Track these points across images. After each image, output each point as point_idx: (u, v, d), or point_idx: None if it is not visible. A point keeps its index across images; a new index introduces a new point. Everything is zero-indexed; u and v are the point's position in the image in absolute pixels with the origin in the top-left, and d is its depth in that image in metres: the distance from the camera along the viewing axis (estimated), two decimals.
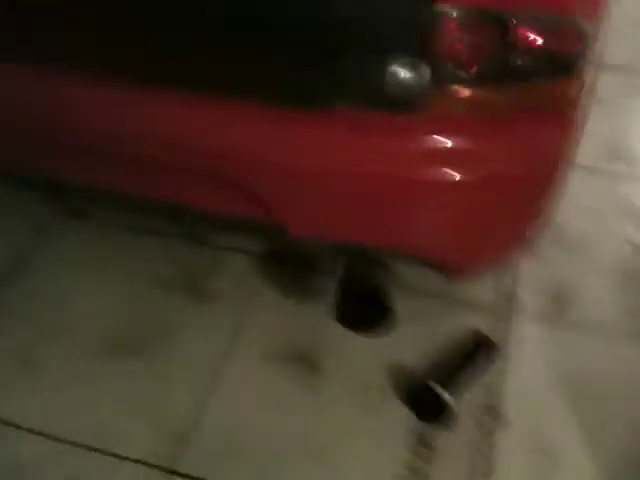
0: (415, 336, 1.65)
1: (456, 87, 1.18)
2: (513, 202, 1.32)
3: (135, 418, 1.53)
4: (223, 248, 1.86)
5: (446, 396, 1.48)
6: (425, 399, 1.50)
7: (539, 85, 1.22)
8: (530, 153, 1.27)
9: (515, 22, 1.12)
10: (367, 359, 1.63)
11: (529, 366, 1.64)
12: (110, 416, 1.53)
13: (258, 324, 1.70)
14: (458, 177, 1.23)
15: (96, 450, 1.47)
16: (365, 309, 1.40)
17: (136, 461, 1.46)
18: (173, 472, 1.44)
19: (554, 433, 1.53)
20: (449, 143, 1.23)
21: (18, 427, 1.49)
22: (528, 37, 1.15)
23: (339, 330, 1.65)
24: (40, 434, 1.48)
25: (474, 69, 1.17)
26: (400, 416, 1.53)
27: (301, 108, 1.21)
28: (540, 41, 1.16)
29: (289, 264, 1.82)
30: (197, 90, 1.23)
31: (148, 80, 1.25)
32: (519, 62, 1.17)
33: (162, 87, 1.24)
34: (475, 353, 1.60)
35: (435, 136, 1.22)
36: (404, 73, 1.16)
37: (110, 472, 1.44)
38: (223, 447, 1.48)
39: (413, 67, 1.15)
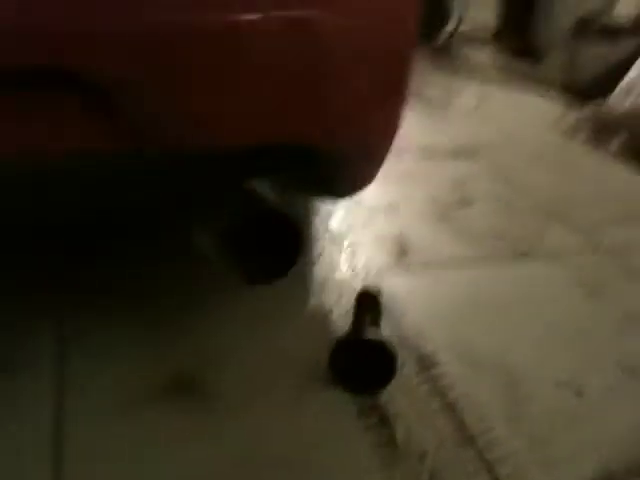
0: (295, 317, 1.33)
1: None
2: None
3: None
4: None
5: (385, 339, 1.18)
6: (359, 359, 1.17)
7: None
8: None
9: None
10: (257, 357, 1.24)
11: (411, 306, 1.44)
12: None
13: (82, 378, 1.18)
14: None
15: None
16: (272, 235, 1.02)
17: None
18: None
19: (484, 347, 1.33)
20: None
21: None
22: None
23: (204, 333, 1.25)
24: None
25: None
26: (335, 401, 1.17)
27: None
28: None
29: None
30: None
31: None
32: None
33: None
34: (367, 304, 1.34)
35: None
36: None
37: None
38: None
39: None
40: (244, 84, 0.97)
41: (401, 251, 1.64)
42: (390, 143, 1.20)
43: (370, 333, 1.20)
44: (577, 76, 2.76)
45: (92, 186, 1.05)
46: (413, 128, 2.32)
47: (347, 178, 1.24)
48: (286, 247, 1.04)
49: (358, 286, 1.46)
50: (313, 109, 1.04)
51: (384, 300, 1.37)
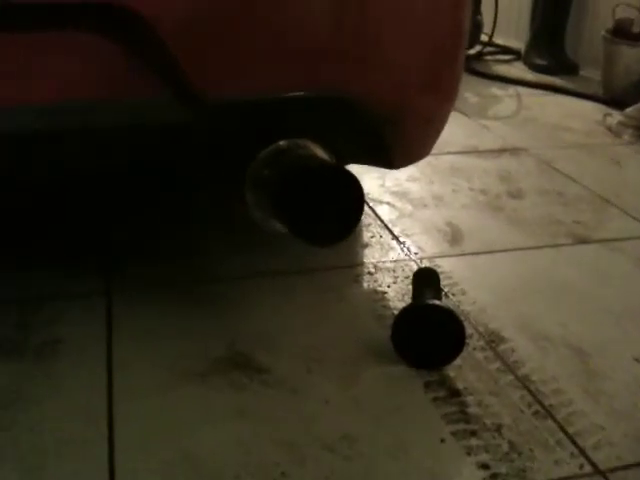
0: (351, 297, 1.27)
1: None
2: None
3: None
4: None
5: (451, 308, 1.11)
6: (425, 330, 1.10)
7: None
8: None
9: None
10: (315, 336, 1.18)
11: (471, 288, 1.37)
12: None
13: (132, 354, 1.12)
14: None
15: None
16: (326, 198, 0.97)
17: None
18: None
19: (551, 325, 1.25)
20: None
21: None
22: None
23: (260, 315, 1.20)
24: None
25: None
26: (398, 375, 1.10)
27: None
28: None
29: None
30: None
31: None
32: None
33: None
34: (426, 282, 1.27)
35: None
36: None
37: None
38: None
39: None
40: (294, 32, 0.94)
41: (453, 239, 1.58)
42: (446, 113, 1.15)
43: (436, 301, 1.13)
44: (615, 84, 2.71)
45: (149, 145, 1.01)
46: (454, 130, 2.29)
47: (402, 146, 1.19)
48: (347, 207, 0.98)
49: (413, 269, 1.41)
50: (367, 63, 1.00)
51: (442, 280, 1.31)
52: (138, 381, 1.07)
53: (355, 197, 0.97)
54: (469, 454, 0.96)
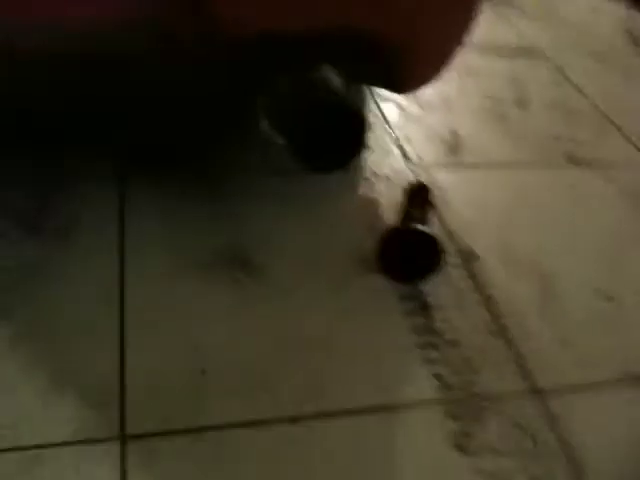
0: (349, 206, 1.38)
1: None
2: None
3: (46, 394, 1.00)
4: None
5: (433, 233, 1.23)
6: (407, 249, 1.23)
7: None
8: None
9: None
10: (311, 242, 1.31)
11: (459, 203, 1.48)
12: (13, 402, 0.98)
13: (145, 240, 1.26)
14: None
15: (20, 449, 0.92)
16: (335, 126, 1.06)
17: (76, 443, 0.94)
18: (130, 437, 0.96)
19: (525, 248, 1.38)
20: None
21: None
22: None
23: (262, 217, 1.32)
24: None
25: None
26: (379, 286, 1.24)
27: None
28: None
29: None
30: None
31: None
32: None
33: None
34: (417, 198, 1.38)
35: None
36: None
37: (40, 466, 0.91)
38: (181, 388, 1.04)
39: None
40: None
41: (453, 148, 1.66)
42: (456, 46, 1.20)
43: (420, 226, 1.25)
44: None
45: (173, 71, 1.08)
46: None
47: (410, 74, 1.25)
48: (350, 138, 1.07)
49: (409, 178, 1.51)
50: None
51: (433, 194, 1.41)
52: (148, 267, 1.21)
53: (355, 131, 1.06)
54: (426, 364, 1.12)
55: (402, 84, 1.26)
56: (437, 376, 1.11)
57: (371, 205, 1.44)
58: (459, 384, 1.10)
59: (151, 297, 1.16)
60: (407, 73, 1.21)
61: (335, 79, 1.10)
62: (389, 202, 1.44)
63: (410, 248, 1.23)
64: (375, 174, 1.53)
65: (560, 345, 1.19)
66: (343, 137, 1.06)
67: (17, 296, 1.12)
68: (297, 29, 0.99)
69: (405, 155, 1.61)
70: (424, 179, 1.49)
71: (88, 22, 0.96)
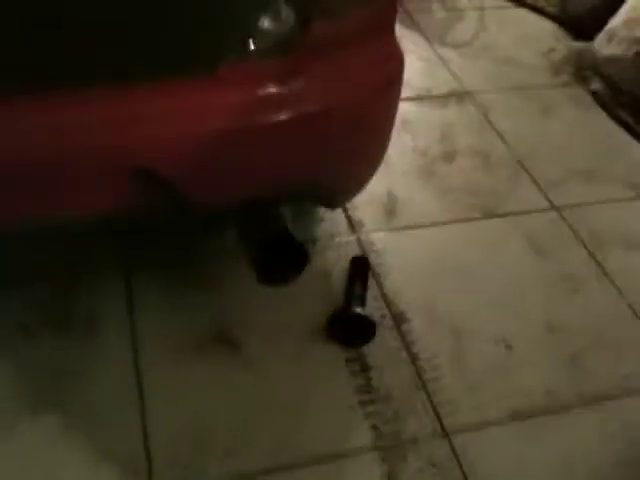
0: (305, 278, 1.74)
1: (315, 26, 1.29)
2: (371, 121, 1.48)
3: (85, 469, 1.38)
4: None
5: (367, 315, 1.62)
6: (348, 326, 1.62)
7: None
8: (371, 75, 1.43)
9: None
10: (276, 315, 1.68)
11: (393, 266, 1.85)
12: (58, 475, 1.36)
13: (150, 328, 1.63)
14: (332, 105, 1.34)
15: None
16: (285, 256, 1.42)
17: None
18: None
19: (444, 306, 1.77)
20: (315, 76, 1.33)
21: None
22: None
23: (236, 297, 1.69)
24: None
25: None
26: (331, 352, 1.63)
27: (187, 76, 1.21)
28: None
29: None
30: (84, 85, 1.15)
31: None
32: None
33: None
34: (358, 273, 1.76)
35: (309, 71, 1.31)
36: (275, 20, 1.23)
37: None
38: (188, 450, 1.43)
39: (280, 14, 1.24)
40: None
41: (389, 211, 2.03)
42: (373, 172, 1.58)
43: (357, 306, 1.63)
44: (571, 9, 2.94)
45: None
46: (414, 64, 2.61)
47: (341, 198, 1.65)
48: (294, 263, 1.44)
49: (353, 246, 1.87)
50: (331, 165, 1.42)
51: (370, 266, 1.79)
52: (156, 350, 1.58)
53: (301, 259, 1.43)
54: (366, 418, 1.52)
55: (334, 205, 1.66)
56: (374, 427, 1.51)
57: (323, 275, 1.81)
58: (390, 432, 1.50)
59: (161, 377, 1.54)
60: (337, 199, 1.60)
61: (284, 214, 1.46)
62: (338, 272, 1.81)
63: (351, 325, 1.61)
64: (326, 246, 1.89)
65: (465, 392, 1.59)
66: (289, 262, 1.43)
67: (51, 389, 1.49)
68: (253, 199, 1.35)
69: (350, 222, 1.97)
70: (365, 246, 1.87)
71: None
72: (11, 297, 1.63)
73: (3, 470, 1.37)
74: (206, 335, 1.63)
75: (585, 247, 1.99)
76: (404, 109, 2.36)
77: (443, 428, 1.52)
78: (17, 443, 1.41)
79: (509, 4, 3.17)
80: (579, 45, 2.80)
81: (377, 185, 2.05)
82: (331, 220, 1.97)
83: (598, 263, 1.95)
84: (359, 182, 1.58)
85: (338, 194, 1.58)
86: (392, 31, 1.48)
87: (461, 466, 1.46)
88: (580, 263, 1.95)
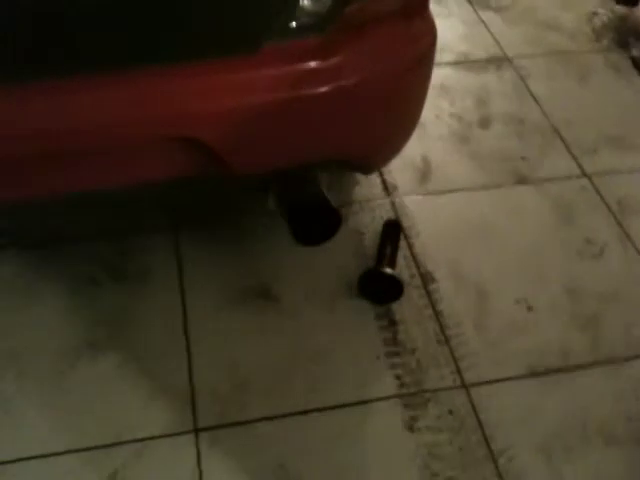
0: (340, 238, 1.87)
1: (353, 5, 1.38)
2: (404, 94, 1.57)
3: (137, 402, 1.56)
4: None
5: (396, 274, 1.74)
6: (378, 284, 1.75)
7: None
8: (404, 51, 1.52)
9: None
10: (312, 272, 1.82)
11: (424, 228, 1.97)
12: (117, 409, 1.55)
13: (197, 280, 1.79)
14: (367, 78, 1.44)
15: (122, 443, 1.49)
16: (319, 220, 1.55)
17: (163, 437, 1.51)
18: (200, 430, 1.53)
19: (470, 268, 1.88)
20: (351, 53, 1.43)
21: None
22: None
23: (276, 255, 1.83)
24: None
25: None
26: (361, 307, 1.77)
27: (232, 54, 1.32)
28: None
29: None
30: (132, 64, 1.28)
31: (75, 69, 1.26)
32: None
33: (92, 72, 1.26)
34: (390, 235, 1.87)
35: (346, 47, 1.41)
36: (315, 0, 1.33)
37: (139, 457, 1.48)
38: (229, 388, 1.59)
39: None
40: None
41: (423, 175, 2.12)
42: (406, 141, 1.68)
43: (388, 266, 1.75)
44: None
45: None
46: (455, 26, 2.66)
47: (373, 166, 1.78)
48: (328, 226, 1.56)
49: (386, 209, 1.99)
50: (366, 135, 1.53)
51: (403, 229, 1.91)
52: (202, 300, 1.74)
53: (334, 223, 1.55)
54: (391, 368, 1.66)
55: (368, 171, 1.78)
56: (397, 377, 1.65)
57: (357, 236, 1.93)
58: (412, 382, 1.64)
59: (206, 324, 1.70)
60: (371, 167, 1.71)
61: (320, 179, 1.58)
62: (372, 233, 1.93)
63: (381, 283, 1.74)
64: (361, 206, 2.01)
65: (485, 348, 1.72)
66: (323, 225, 1.55)
67: (111, 330, 1.67)
68: (291, 167, 1.48)
69: (385, 185, 2.08)
70: (398, 209, 1.98)
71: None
72: (80, 251, 1.81)
73: (66, 402, 1.56)
74: (247, 288, 1.78)
75: (612, 214, 2.06)
76: (442, 74, 2.45)
77: (462, 380, 1.65)
78: (79, 377, 1.60)
79: None
80: (622, 10, 2.79)
81: (412, 149, 2.16)
82: (367, 183, 2.08)
83: (623, 230, 2.02)
84: (392, 150, 1.69)
85: (372, 162, 1.68)
86: (426, 6, 1.56)
87: (477, 414, 1.59)
88: (605, 229, 2.02)
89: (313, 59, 1.40)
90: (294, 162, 1.50)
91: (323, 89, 1.41)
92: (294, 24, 1.35)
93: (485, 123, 2.33)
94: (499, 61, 2.59)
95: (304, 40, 1.38)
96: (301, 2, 1.33)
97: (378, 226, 1.94)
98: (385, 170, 2.12)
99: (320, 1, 1.35)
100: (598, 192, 2.13)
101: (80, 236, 1.85)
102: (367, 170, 1.76)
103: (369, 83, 1.45)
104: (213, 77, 1.35)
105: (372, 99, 1.47)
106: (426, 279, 1.85)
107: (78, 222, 1.79)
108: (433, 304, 1.80)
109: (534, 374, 1.68)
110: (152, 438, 1.51)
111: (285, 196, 1.58)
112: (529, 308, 1.81)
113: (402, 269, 1.85)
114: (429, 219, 2.00)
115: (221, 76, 1.35)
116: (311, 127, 1.46)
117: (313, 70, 1.41)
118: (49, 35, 1.21)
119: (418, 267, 1.88)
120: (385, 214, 1.98)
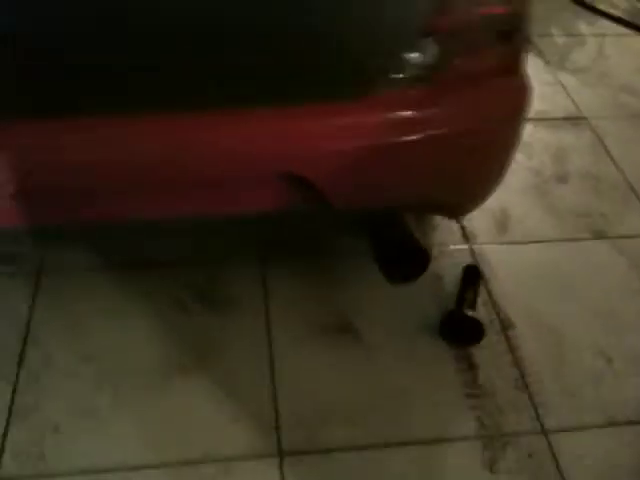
0: (420, 280, 1.93)
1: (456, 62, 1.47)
2: (497, 148, 1.65)
3: (224, 423, 1.62)
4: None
5: (479, 317, 1.79)
6: (460, 326, 1.79)
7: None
8: (503, 107, 1.60)
9: None
10: (393, 311, 1.88)
11: (503, 276, 2.01)
12: (201, 427, 1.61)
13: (282, 312, 1.87)
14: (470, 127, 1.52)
15: (209, 461, 1.55)
16: (410, 258, 1.62)
17: (246, 457, 1.57)
18: (285, 454, 1.58)
19: (548, 316, 1.91)
20: (451, 104, 1.52)
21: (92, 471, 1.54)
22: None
23: (358, 292, 1.90)
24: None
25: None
26: (441, 349, 1.81)
27: (352, 98, 1.43)
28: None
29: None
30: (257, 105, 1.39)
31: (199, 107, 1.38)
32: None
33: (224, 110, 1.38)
34: (470, 279, 1.92)
35: (445, 100, 1.50)
36: (420, 57, 1.44)
37: (225, 475, 1.54)
38: (312, 417, 1.65)
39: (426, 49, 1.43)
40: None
41: (502, 226, 2.18)
42: (493, 191, 1.75)
43: (468, 309, 1.80)
44: None
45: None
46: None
47: (463, 211, 1.84)
48: (417, 265, 1.63)
49: (465, 255, 2.04)
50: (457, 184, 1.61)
51: (482, 275, 1.96)
52: (287, 332, 1.81)
53: (424, 261, 1.62)
54: (471, 409, 1.69)
55: (455, 216, 1.84)
56: (477, 418, 1.67)
57: (437, 279, 1.99)
58: (492, 424, 1.66)
59: (289, 354, 1.76)
60: (460, 212, 1.78)
61: (408, 220, 1.65)
62: (450, 278, 1.99)
63: (462, 325, 1.79)
64: (440, 251, 2.07)
65: (564, 397, 1.73)
66: (413, 263, 1.62)
67: (199, 354, 1.75)
68: (387, 207, 1.56)
69: (464, 232, 2.14)
70: (476, 256, 2.04)
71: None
72: (170, 276, 1.91)
73: (157, 419, 1.63)
74: (330, 323, 1.85)
75: None
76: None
77: (542, 426, 1.67)
78: (169, 396, 1.67)
79: (630, 32, 3.23)
80: None
81: (491, 200, 2.21)
82: (446, 228, 2.15)
83: None
84: (479, 199, 1.76)
85: (460, 208, 1.76)
86: (522, 65, 1.64)
87: (557, 459, 1.60)
88: None
89: (417, 108, 1.49)
90: (389, 204, 1.58)
91: (421, 137, 1.50)
92: (402, 75, 1.44)
93: (562, 179, 2.38)
94: (576, 120, 2.66)
95: (409, 90, 1.47)
96: (409, 56, 1.43)
97: (457, 271, 1.99)
98: (465, 218, 2.18)
99: (425, 58, 1.44)
100: None
101: (173, 262, 1.95)
102: (454, 215, 1.83)
103: (466, 134, 1.54)
104: (322, 120, 1.45)
105: (469, 149, 1.55)
106: (505, 324, 1.89)
107: (175, 247, 1.89)
108: (512, 349, 1.83)
109: (612, 424, 1.69)
110: (238, 459, 1.56)
111: (377, 234, 1.65)
112: (608, 360, 1.83)
113: (481, 314, 1.89)
114: (507, 267, 2.05)
115: (329, 119, 1.45)
116: (409, 172, 1.54)
117: (414, 119, 1.50)
118: (189, 75, 1.33)
119: (497, 313, 1.91)
120: (464, 260, 2.04)
